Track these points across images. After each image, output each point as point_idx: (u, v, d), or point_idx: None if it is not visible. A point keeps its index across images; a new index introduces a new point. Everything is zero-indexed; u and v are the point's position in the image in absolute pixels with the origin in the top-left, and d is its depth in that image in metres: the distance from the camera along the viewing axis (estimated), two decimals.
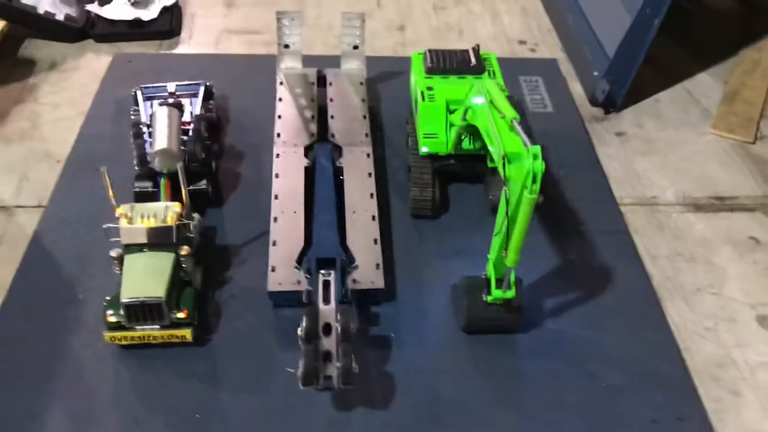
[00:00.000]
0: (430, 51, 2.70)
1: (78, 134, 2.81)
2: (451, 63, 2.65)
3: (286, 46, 2.95)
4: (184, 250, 2.11)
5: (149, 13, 3.45)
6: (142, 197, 2.32)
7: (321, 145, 2.67)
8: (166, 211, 2.12)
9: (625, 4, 3.05)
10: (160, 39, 3.46)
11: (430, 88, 2.60)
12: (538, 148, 1.74)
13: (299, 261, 2.24)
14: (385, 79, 3.16)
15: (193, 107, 2.68)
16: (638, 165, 2.95)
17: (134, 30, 3.43)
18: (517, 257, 1.89)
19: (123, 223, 2.09)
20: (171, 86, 2.73)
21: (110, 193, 2.09)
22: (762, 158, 3.05)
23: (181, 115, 2.53)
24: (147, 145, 2.43)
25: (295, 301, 2.15)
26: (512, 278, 2.00)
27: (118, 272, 2.09)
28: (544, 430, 1.96)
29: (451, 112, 2.53)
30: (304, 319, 1.91)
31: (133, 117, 2.64)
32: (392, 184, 2.67)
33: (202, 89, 2.77)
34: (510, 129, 1.94)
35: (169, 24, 3.49)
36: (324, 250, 2.22)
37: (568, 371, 2.10)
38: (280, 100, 2.85)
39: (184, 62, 3.23)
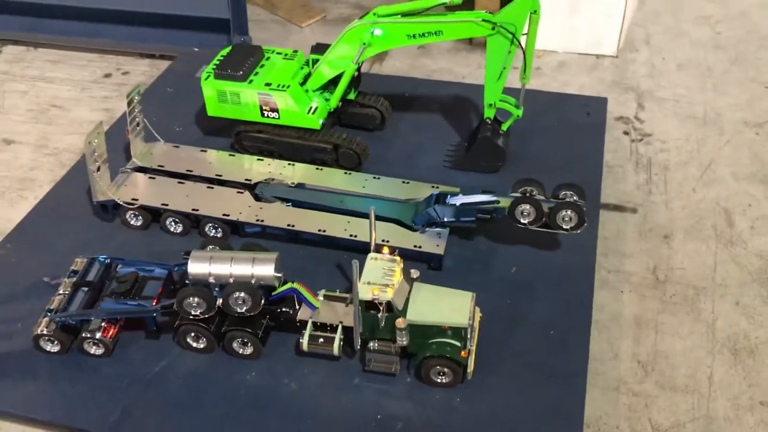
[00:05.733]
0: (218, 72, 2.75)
1: None
2: (242, 62, 2.77)
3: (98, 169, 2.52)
4: (415, 273, 2.12)
5: None
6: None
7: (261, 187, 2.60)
8: (379, 261, 2.06)
9: None
10: None
11: (268, 84, 2.72)
12: None
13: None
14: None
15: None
16: None
17: None
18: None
19: (389, 292, 1.97)
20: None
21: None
22: None
23: None
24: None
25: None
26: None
27: (398, 348, 2.03)
28: None
29: (303, 83, 2.78)
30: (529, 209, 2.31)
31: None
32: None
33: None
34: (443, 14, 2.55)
35: None
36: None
37: None
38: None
39: None
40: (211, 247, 2.19)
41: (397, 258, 2.06)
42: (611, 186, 2.88)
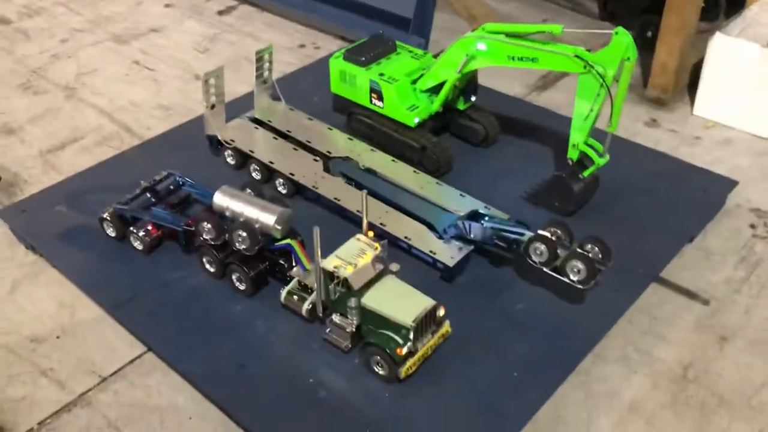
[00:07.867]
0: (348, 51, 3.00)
1: None
2: (371, 51, 3.00)
3: (213, 106, 2.90)
4: (395, 266, 2.18)
5: None
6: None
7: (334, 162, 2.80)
8: (360, 242, 2.15)
9: None
10: None
11: (381, 74, 2.92)
12: (619, 28, 2.37)
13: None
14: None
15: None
16: None
17: None
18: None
19: (348, 269, 2.06)
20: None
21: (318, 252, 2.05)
22: None
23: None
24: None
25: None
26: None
27: (352, 326, 2.10)
28: None
29: (413, 82, 2.93)
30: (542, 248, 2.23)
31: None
32: None
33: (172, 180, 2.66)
34: (544, 42, 2.52)
35: None
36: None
37: None
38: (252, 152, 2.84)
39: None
40: (248, 189, 2.45)
41: (377, 244, 2.14)
42: (697, 272, 2.62)
